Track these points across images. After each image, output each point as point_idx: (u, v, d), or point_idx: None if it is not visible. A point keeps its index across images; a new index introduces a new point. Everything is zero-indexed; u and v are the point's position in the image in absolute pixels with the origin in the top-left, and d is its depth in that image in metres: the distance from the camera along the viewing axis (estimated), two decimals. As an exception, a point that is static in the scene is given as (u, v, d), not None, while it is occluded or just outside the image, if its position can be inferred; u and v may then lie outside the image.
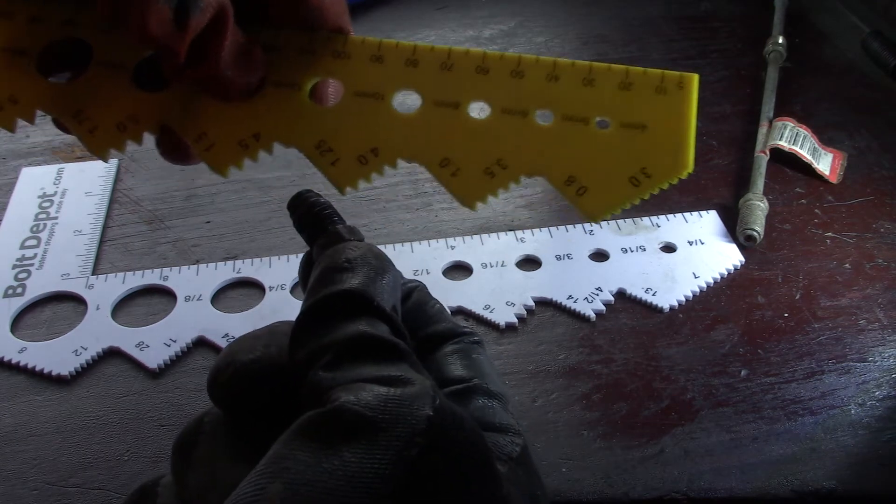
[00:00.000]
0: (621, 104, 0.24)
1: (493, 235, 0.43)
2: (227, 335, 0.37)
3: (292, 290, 0.40)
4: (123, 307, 0.39)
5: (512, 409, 0.26)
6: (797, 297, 0.40)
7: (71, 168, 0.48)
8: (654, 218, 0.44)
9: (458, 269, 0.41)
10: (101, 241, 0.44)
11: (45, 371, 0.36)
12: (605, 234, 0.43)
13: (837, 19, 0.63)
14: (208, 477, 0.21)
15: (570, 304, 0.39)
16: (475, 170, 0.24)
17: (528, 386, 0.36)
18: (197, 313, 0.39)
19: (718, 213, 0.44)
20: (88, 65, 0.25)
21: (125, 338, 0.37)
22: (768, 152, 0.48)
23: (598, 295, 0.39)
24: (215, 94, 0.24)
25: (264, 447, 0.19)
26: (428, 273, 0.41)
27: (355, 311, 0.22)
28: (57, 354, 0.37)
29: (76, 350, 0.37)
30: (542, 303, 0.39)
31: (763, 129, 0.49)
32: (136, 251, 0.43)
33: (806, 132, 0.49)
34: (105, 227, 0.45)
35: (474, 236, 0.43)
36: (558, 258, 0.41)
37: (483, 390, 0.25)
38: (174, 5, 0.21)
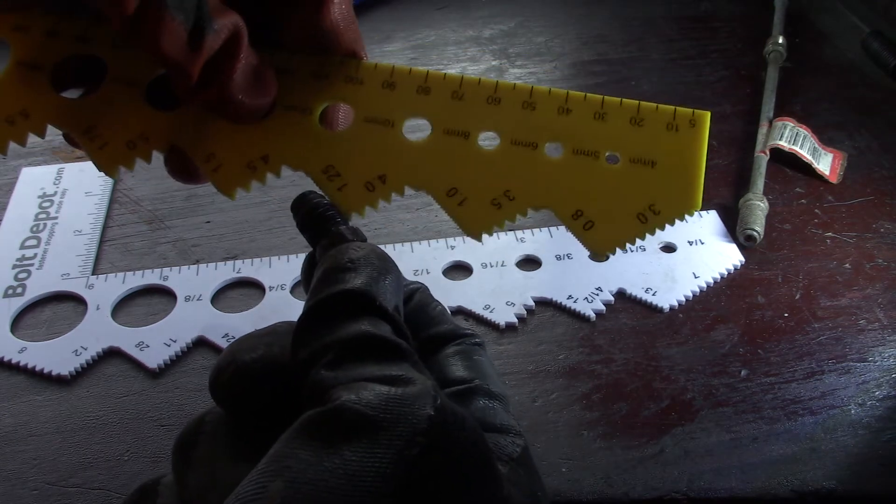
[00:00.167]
0: (632, 140, 0.24)
1: (493, 235, 0.43)
2: (227, 335, 0.37)
3: (292, 290, 0.40)
4: (123, 307, 0.39)
5: (512, 409, 0.26)
6: (797, 297, 0.40)
7: (71, 168, 0.48)
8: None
9: (458, 269, 0.41)
10: (101, 241, 0.44)
11: (45, 371, 0.36)
12: (605, 234, 0.43)
13: (837, 19, 0.63)
14: (208, 476, 0.22)
15: (570, 304, 0.39)
16: (482, 200, 0.24)
17: (528, 386, 0.36)
18: (197, 313, 0.39)
19: (718, 213, 0.44)
20: (101, 81, 0.25)
21: (125, 338, 0.37)
22: (768, 152, 0.48)
23: (598, 295, 0.39)
24: (226, 115, 0.24)
25: (265, 447, 0.19)
26: (428, 273, 0.41)
27: (358, 311, 0.22)
28: (57, 354, 0.37)
29: (76, 350, 0.37)
30: (542, 303, 0.39)
31: (763, 129, 0.49)
32: (136, 251, 0.43)
33: (806, 132, 0.49)
34: (105, 227, 0.45)
35: (474, 236, 0.43)
36: (558, 258, 0.41)
37: (484, 391, 0.25)
38: (190, 25, 0.21)
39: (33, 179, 0.48)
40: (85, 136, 0.24)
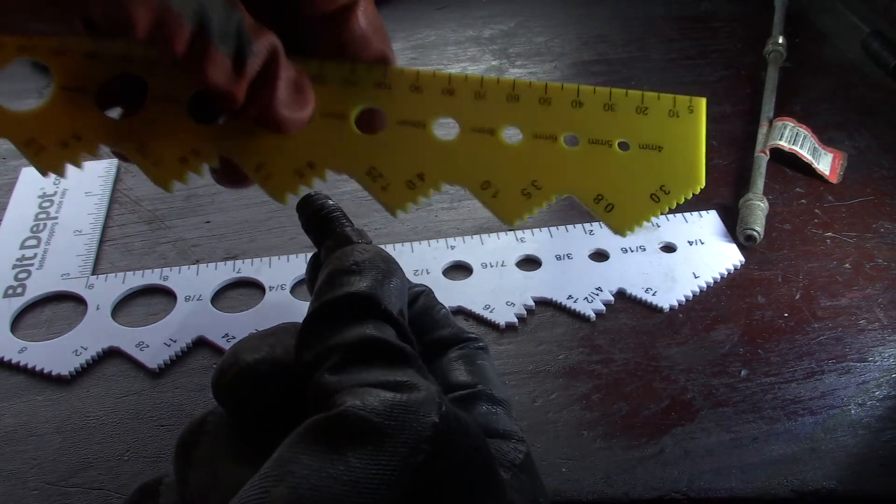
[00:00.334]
0: (639, 127, 0.26)
1: (493, 235, 0.43)
2: (227, 335, 0.37)
3: (292, 290, 0.40)
4: (123, 307, 0.39)
5: (514, 413, 0.26)
6: (797, 297, 0.40)
7: (71, 168, 0.48)
8: (654, 218, 0.44)
9: (458, 269, 0.41)
10: (101, 241, 0.44)
11: (45, 371, 0.36)
12: (605, 234, 0.43)
13: (837, 19, 0.63)
14: (210, 477, 0.22)
15: (570, 304, 0.39)
16: (513, 191, 0.26)
17: (528, 386, 0.36)
18: (197, 313, 0.39)
19: (718, 213, 0.44)
20: (140, 98, 0.26)
21: (125, 338, 0.37)
22: (768, 152, 0.48)
23: (598, 295, 0.39)
24: (271, 128, 0.25)
25: (267, 448, 0.19)
26: (428, 273, 0.41)
27: (362, 315, 0.22)
28: (57, 354, 0.37)
29: (76, 350, 0.37)
30: (542, 303, 0.39)
31: (763, 129, 0.49)
32: (136, 251, 0.43)
33: (806, 132, 0.49)
34: (105, 227, 0.45)
35: (474, 236, 0.43)
36: (558, 258, 0.41)
37: (487, 396, 0.25)
38: (232, 54, 0.22)
39: (33, 179, 0.48)
40: (139, 154, 0.25)
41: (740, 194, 0.45)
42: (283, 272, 0.41)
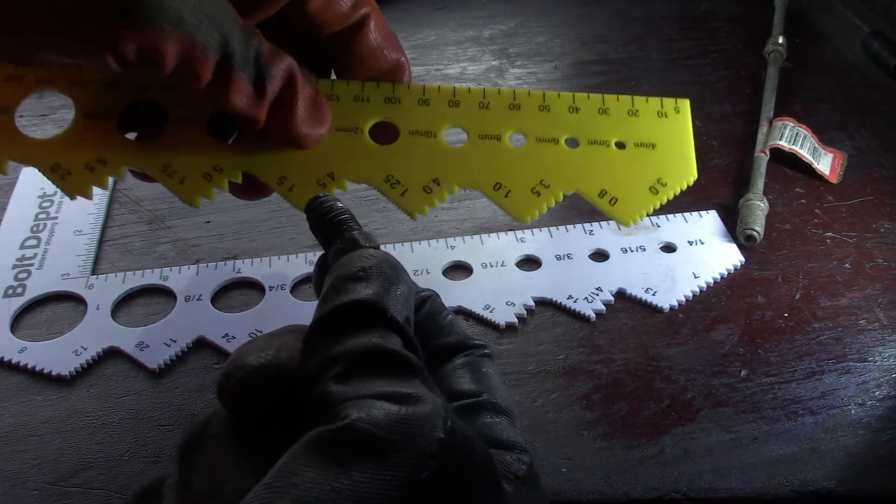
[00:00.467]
0: (632, 128, 0.28)
1: (493, 235, 0.43)
2: (227, 335, 0.37)
3: (292, 291, 0.40)
4: (123, 307, 0.39)
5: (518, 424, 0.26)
6: (797, 297, 0.40)
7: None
8: (653, 218, 0.44)
9: (458, 269, 0.41)
10: (101, 241, 0.44)
11: (45, 371, 0.36)
12: (605, 234, 0.43)
13: (837, 19, 0.63)
14: (213, 480, 0.21)
15: (570, 304, 0.39)
16: (523, 190, 0.28)
17: (528, 386, 0.36)
18: (197, 313, 0.39)
19: (718, 213, 0.44)
20: (159, 120, 0.27)
21: (125, 338, 0.37)
22: (768, 152, 0.48)
23: (598, 295, 0.39)
24: (292, 144, 0.27)
25: (271, 451, 0.18)
26: (428, 273, 0.41)
27: (368, 322, 0.22)
28: (57, 354, 0.37)
29: (76, 350, 0.37)
30: (542, 303, 0.39)
31: (763, 129, 0.49)
32: (136, 251, 0.43)
33: (806, 132, 0.49)
34: (105, 227, 0.45)
35: (474, 236, 0.43)
36: (558, 258, 0.41)
37: (491, 406, 0.25)
38: (252, 79, 0.24)
39: (33, 179, 0.47)
40: (164, 174, 0.27)
41: (740, 194, 0.45)
42: (283, 272, 0.41)
